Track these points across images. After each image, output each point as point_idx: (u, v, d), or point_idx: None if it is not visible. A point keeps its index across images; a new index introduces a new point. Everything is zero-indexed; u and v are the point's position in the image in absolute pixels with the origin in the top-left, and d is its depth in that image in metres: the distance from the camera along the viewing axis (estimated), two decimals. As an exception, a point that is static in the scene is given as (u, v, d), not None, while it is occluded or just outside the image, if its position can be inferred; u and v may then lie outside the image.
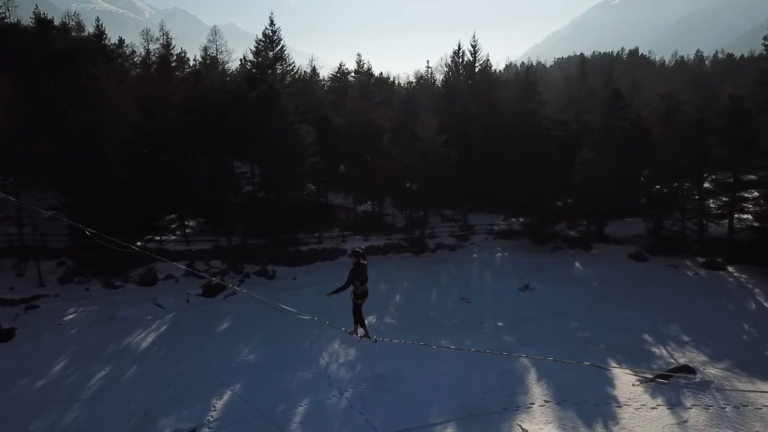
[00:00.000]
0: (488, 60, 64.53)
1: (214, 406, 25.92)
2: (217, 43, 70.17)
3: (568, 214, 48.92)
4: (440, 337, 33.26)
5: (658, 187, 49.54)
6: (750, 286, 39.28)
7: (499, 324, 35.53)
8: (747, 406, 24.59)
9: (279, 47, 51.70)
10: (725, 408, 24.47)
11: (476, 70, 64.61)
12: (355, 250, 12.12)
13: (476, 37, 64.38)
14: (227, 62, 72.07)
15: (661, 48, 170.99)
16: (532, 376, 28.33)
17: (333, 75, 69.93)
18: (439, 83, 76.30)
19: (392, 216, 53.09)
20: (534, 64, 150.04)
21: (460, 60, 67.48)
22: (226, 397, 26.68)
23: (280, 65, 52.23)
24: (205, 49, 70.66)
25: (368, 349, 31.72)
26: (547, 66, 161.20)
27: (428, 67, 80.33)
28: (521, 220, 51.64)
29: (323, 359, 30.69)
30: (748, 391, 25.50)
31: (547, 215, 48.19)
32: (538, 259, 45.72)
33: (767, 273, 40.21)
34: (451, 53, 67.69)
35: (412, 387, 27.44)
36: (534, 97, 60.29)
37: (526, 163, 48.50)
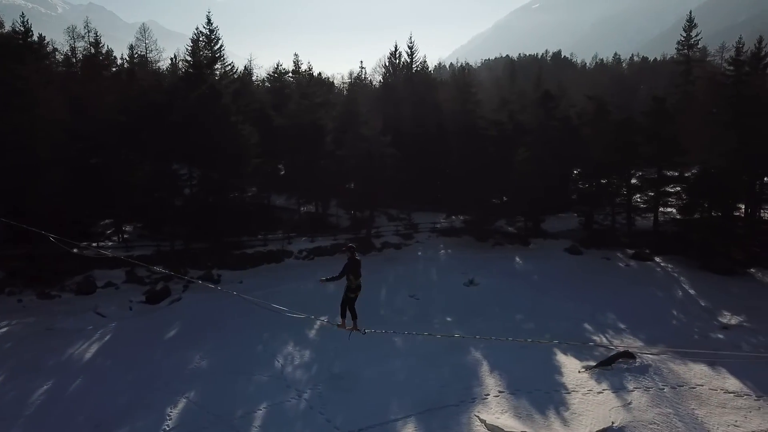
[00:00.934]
0: (425, 61, 65.81)
1: (170, 415, 25.27)
2: (147, 41, 68.00)
3: (507, 210, 50.58)
4: (394, 334, 33.80)
5: (588, 184, 52.24)
6: (676, 275, 42.10)
7: (448, 319, 36.42)
8: (683, 386, 26.48)
9: (218, 46, 50.70)
10: (663, 389, 26.26)
11: (414, 71, 65.76)
12: (349, 246, 12.79)
13: (413, 39, 65.64)
14: (158, 61, 69.93)
15: (578, 50, 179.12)
16: (485, 368, 29.28)
17: (270, 75, 69.11)
18: (376, 83, 77.09)
19: (336, 217, 53.16)
20: (463, 65, 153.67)
21: (397, 61, 68.49)
22: (181, 405, 26.05)
23: (219, 65, 51.19)
24: (131, 47, 68.21)
25: (323, 350, 31.94)
26: (475, 67, 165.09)
27: (362, 67, 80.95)
28: (461, 217, 52.98)
29: (278, 362, 30.52)
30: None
31: (487, 212, 49.70)
32: (481, 254, 47.12)
33: (690, 263, 43.22)
34: (387, 54, 68.68)
35: (370, 385, 27.75)
36: (470, 98, 62.06)
37: (466, 163, 49.88)
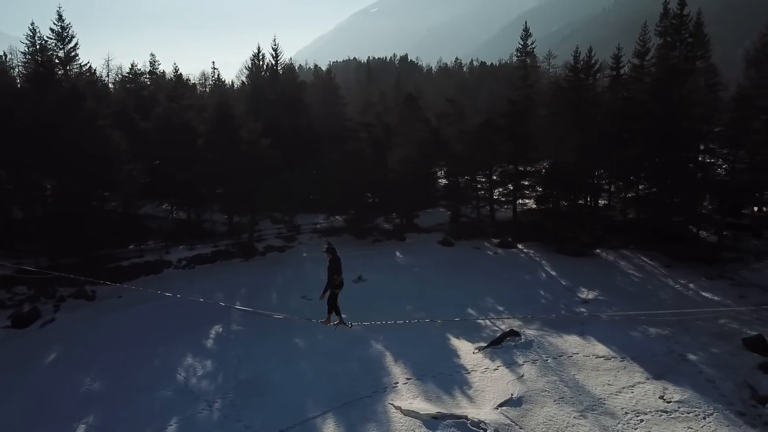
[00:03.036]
0: (291, 63, 65.84)
1: (71, 444, 23.54)
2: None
3: (383, 208, 52.75)
4: (293, 336, 34.13)
5: (453, 180, 56.18)
6: (537, 259, 47.00)
7: (343, 316, 37.27)
8: (562, 356, 30.10)
9: (72, 44, 46.46)
10: (547, 360, 29.66)
11: (280, 72, 65.47)
12: (330, 248, 13.28)
13: (277, 41, 65.24)
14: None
15: (418, 53, 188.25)
16: (389, 359, 30.82)
17: (125, 76, 64.71)
18: (238, 85, 75.60)
19: (211, 222, 51.61)
20: (312, 66, 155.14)
21: (261, 62, 67.76)
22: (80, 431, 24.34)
23: (76, 64, 47.02)
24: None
25: (224, 358, 31.49)
26: (323, 68, 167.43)
27: (214, 68, 78.35)
28: (339, 217, 54.22)
29: (180, 374, 29.51)
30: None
31: (365, 211, 51.46)
32: (363, 252, 48.62)
33: (547, 247, 48.48)
34: (251, 56, 67.62)
35: (282, 387, 27.97)
36: (338, 100, 63.59)
37: (340, 164, 51.17)
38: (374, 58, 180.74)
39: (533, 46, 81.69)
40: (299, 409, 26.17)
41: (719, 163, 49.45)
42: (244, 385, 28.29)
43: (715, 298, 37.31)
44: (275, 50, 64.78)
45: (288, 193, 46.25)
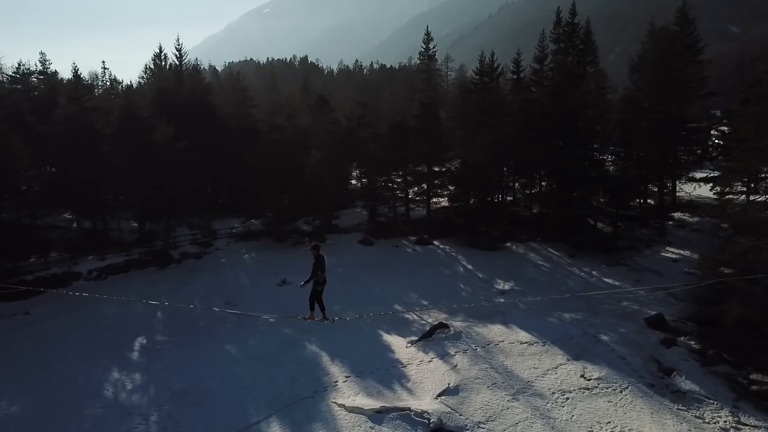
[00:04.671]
0: (198, 64, 63.85)
1: (-5, 474, 21.88)
2: None
3: (302, 210, 52.65)
4: (223, 342, 33.55)
5: (369, 181, 57.21)
6: (454, 254, 49.02)
7: (271, 320, 37.14)
8: (489, 344, 31.82)
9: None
10: (477, 349, 31.25)
11: (184, 73, 63.30)
12: (315, 245, 13.94)
13: (181, 42, 63.06)
14: None
15: (312, 54, 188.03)
16: (326, 358, 31.11)
17: (12, 76, 59.69)
18: (136, 85, 72.04)
19: (119, 231, 49.04)
20: (206, 67, 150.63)
21: (163, 63, 65.19)
22: (4, 460, 22.68)
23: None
24: None
25: (153, 370, 30.44)
26: (219, 69, 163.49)
27: (105, 68, 74.03)
28: (255, 221, 53.45)
29: (108, 390, 28.17)
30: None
31: (283, 214, 51.14)
32: (284, 254, 48.38)
33: (462, 243, 50.67)
34: (153, 56, 64.86)
35: (220, 395, 27.53)
36: (247, 102, 62.55)
37: (257, 167, 50.50)
38: (274, 59, 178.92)
39: (435, 49, 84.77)
40: (241, 415, 25.91)
41: (611, 159, 53.93)
42: (179, 395, 27.50)
43: (616, 282, 40.81)
44: (179, 50, 62.69)
45: (203, 197, 45.02)
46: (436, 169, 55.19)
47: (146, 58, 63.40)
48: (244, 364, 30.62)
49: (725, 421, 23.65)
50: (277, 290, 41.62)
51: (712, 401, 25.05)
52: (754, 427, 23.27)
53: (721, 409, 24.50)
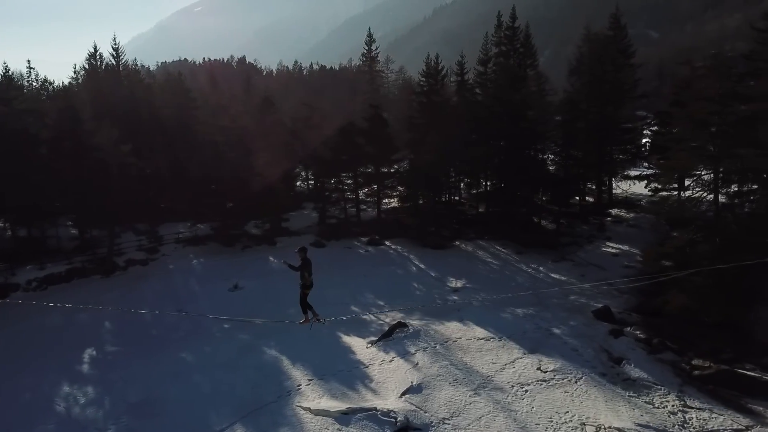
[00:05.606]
0: (136, 64, 61.76)
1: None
2: None
3: (250, 213, 51.87)
4: (178, 351, 32.77)
5: (318, 182, 57.04)
6: (406, 254, 49.60)
7: (226, 326, 36.56)
8: (447, 341, 32.44)
9: None
10: (436, 347, 31.81)
11: (122, 74, 61.09)
12: (302, 248, 14.31)
13: (118, 41, 60.82)
14: None
15: (246, 54, 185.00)
16: (286, 362, 30.90)
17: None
18: (65, 85, 68.92)
19: (57, 238, 46.85)
20: (138, 66, 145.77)
21: (98, 63, 62.67)
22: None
23: None
24: None
25: (107, 382, 29.51)
26: (153, 69, 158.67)
27: (30, 68, 70.04)
28: (201, 225, 52.27)
29: (59, 405, 27.04)
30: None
31: (231, 217, 50.26)
32: (233, 259, 47.61)
33: (413, 242, 51.33)
34: (87, 55, 62.26)
35: (180, 404, 26.91)
36: (190, 104, 61.04)
37: (202, 169, 49.45)
38: (209, 59, 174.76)
39: (377, 51, 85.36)
40: (203, 424, 25.46)
41: (553, 159, 55.97)
42: (137, 407, 26.68)
43: (562, 278, 42.47)
44: (116, 50, 60.31)
45: (149, 202, 43.65)
46: (384, 170, 55.60)
47: (70, 57, 60.55)
48: (202, 372, 30.05)
49: (673, 405, 25.15)
50: (230, 295, 40.97)
51: (659, 387, 26.58)
52: (699, 409, 24.85)
53: (669, 394, 26.03)
